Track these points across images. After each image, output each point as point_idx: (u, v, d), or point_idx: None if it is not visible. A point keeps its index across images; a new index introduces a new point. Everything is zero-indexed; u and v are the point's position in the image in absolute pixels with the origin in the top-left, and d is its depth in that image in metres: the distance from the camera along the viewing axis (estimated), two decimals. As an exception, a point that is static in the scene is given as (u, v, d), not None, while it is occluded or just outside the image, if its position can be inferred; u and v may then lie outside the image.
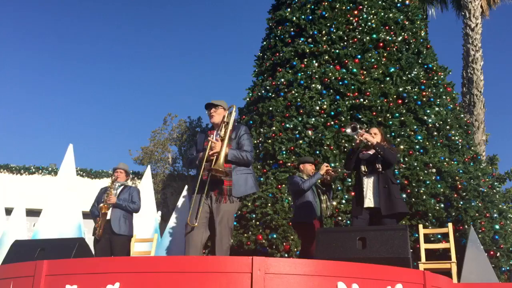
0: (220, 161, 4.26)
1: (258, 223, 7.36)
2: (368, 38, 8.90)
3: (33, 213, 12.57)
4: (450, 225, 6.23)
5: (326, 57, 8.86)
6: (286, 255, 6.99)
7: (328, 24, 9.09)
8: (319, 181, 5.89)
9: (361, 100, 8.14)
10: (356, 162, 5.00)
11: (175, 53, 44.46)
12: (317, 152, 7.80)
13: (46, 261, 3.11)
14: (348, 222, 7.09)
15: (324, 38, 9.01)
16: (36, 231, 8.23)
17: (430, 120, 8.11)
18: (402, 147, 7.67)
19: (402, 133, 7.85)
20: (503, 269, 6.76)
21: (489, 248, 6.83)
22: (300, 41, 9.18)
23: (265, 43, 10.20)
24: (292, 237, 7.05)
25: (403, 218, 5.18)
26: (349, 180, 7.46)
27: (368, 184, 4.90)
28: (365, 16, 9.14)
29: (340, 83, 8.40)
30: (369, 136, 4.90)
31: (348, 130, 5.04)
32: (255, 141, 8.44)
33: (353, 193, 5.45)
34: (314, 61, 8.90)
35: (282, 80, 8.86)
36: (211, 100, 4.65)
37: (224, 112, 4.61)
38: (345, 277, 2.98)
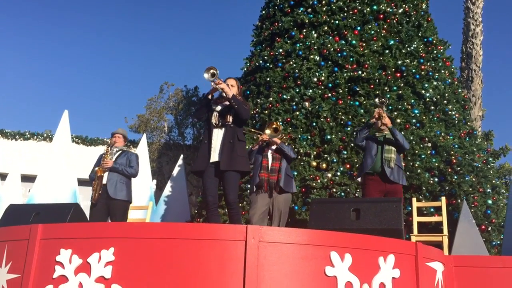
0: None
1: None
2: (368, 9, 8.77)
3: (28, 178, 12.60)
4: (443, 199, 6.28)
5: (326, 28, 8.75)
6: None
7: (329, -6, 8.94)
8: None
9: (359, 72, 8.08)
10: (208, 113, 4.83)
11: (173, 22, 43.87)
12: (314, 124, 7.79)
13: (41, 225, 3.12)
14: (343, 194, 7.14)
15: (324, 9, 8.87)
16: (31, 196, 8.26)
17: (427, 94, 8.07)
18: (398, 120, 7.66)
19: (399, 106, 7.82)
20: (494, 243, 6.85)
21: (481, 223, 6.91)
22: (300, 11, 9.04)
23: (264, 12, 10.04)
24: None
25: (246, 175, 4.96)
26: (345, 152, 7.47)
27: (218, 136, 4.73)
28: (366, -14, 8.99)
29: (339, 54, 8.32)
30: (226, 87, 4.70)
31: (206, 75, 4.71)
32: (252, 112, 8.40)
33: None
34: (313, 32, 8.79)
35: (280, 50, 8.77)
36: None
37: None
38: (338, 246, 3.01)
